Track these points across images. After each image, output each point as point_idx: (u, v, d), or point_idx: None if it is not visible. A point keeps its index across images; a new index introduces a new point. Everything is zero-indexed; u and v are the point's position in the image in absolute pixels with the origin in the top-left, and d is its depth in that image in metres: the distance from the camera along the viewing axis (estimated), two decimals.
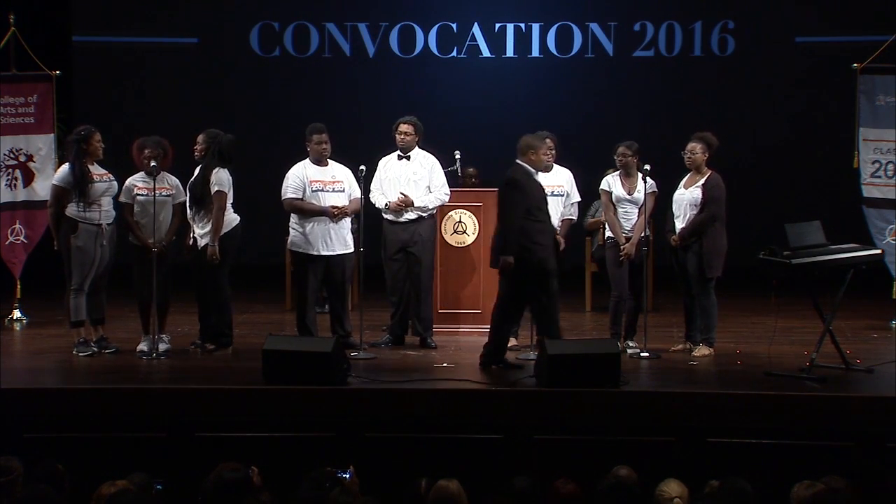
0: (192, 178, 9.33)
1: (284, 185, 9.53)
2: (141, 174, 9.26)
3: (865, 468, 7.41)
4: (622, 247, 9.38)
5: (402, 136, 9.80)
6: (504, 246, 8.76)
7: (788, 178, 13.58)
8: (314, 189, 9.47)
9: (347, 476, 6.16)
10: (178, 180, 9.34)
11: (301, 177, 9.49)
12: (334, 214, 9.43)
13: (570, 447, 7.83)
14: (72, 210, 9.14)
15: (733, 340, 9.67)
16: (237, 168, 9.45)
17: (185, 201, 9.35)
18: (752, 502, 5.80)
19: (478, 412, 8.06)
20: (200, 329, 9.49)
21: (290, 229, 9.58)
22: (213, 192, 9.15)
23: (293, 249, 9.57)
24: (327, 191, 9.48)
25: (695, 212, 9.25)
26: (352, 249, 9.49)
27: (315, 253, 9.45)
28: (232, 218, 9.29)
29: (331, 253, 9.47)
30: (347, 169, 9.51)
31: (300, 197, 9.48)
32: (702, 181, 9.29)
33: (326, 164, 9.57)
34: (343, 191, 9.49)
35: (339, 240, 9.48)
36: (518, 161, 8.94)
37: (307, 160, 9.57)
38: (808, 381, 8.35)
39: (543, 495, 5.96)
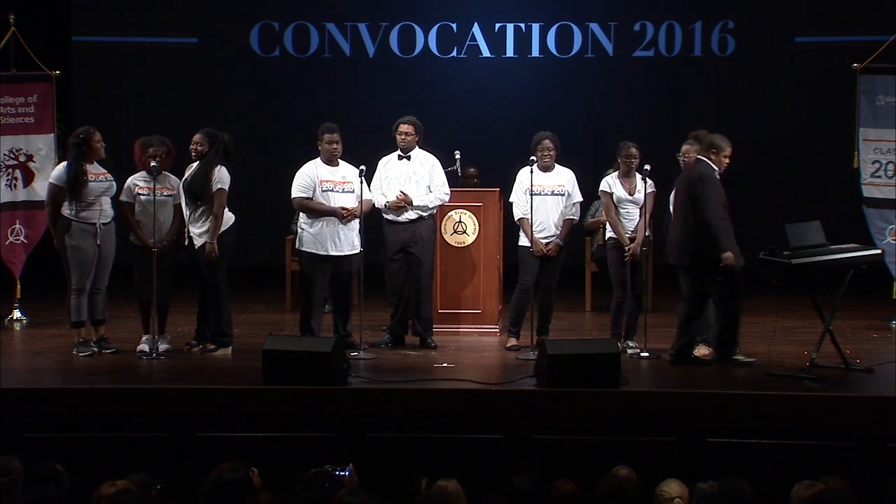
0: (188, 176, 9.31)
1: (294, 183, 9.51)
2: (142, 174, 9.25)
3: (865, 468, 7.44)
4: (627, 247, 9.38)
5: (403, 137, 9.79)
6: (719, 243, 8.64)
7: (788, 178, 13.58)
8: (324, 189, 9.45)
9: (346, 474, 6.17)
10: (178, 180, 9.33)
11: (312, 176, 9.48)
12: (343, 216, 9.42)
13: (570, 447, 7.83)
14: (67, 209, 9.14)
15: None
16: (236, 168, 9.44)
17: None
18: (751, 502, 5.80)
19: (478, 412, 8.05)
20: (197, 329, 9.49)
21: (299, 229, 9.58)
22: (214, 190, 9.14)
23: (303, 249, 9.54)
24: (337, 191, 9.47)
25: None
26: (358, 250, 9.47)
27: (324, 253, 9.44)
28: (228, 217, 9.29)
29: (339, 253, 9.46)
30: (357, 169, 9.48)
31: (309, 196, 9.46)
32: None
33: (337, 165, 9.55)
34: (353, 192, 9.47)
35: (347, 240, 9.47)
36: (700, 157, 8.93)
37: (318, 159, 9.56)
38: (808, 381, 8.34)
39: (543, 495, 5.96)
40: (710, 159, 8.86)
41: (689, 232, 8.80)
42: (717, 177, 8.85)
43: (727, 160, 8.93)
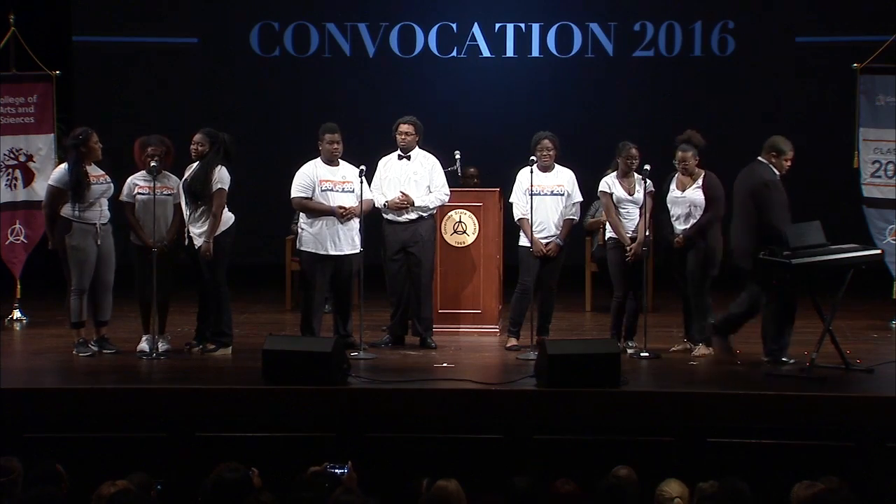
0: (188, 176, 9.30)
1: (294, 183, 9.51)
2: (142, 173, 9.25)
3: (865, 468, 7.44)
4: (629, 247, 9.37)
5: (403, 137, 9.79)
6: (791, 248, 8.59)
7: (789, 178, 13.52)
8: (323, 189, 9.45)
9: (345, 471, 6.17)
10: (178, 180, 9.33)
11: (311, 176, 9.48)
12: (342, 215, 9.42)
13: (570, 447, 7.84)
14: (67, 210, 9.13)
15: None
16: (236, 168, 9.45)
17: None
18: (751, 502, 5.80)
19: (478, 412, 8.05)
20: (197, 329, 9.48)
21: (299, 229, 9.58)
22: (214, 190, 9.14)
23: (303, 249, 9.53)
24: (336, 191, 9.46)
25: (699, 213, 9.25)
26: (359, 250, 9.47)
27: (324, 253, 9.44)
28: (228, 217, 9.28)
29: (339, 253, 9.46)
30: (357, 169, 9.47)
31: (309, 196, 9.46)
32: (699, 182, 9.30)
33: (337, 164, 9.55)
34: (352, 191, 9.46)
35: (346, 240, 9.47)
36: (761, 159, 8.95)
37: (318, 159, 9.55)
38: (808, 381, 8.34)
39: (543, 495, 5.96)
40: (771, 162, 8.90)
41: (752, 235, 8.82)
42: (779, 179, 8.87)
43: (788, 163, 9.00)
